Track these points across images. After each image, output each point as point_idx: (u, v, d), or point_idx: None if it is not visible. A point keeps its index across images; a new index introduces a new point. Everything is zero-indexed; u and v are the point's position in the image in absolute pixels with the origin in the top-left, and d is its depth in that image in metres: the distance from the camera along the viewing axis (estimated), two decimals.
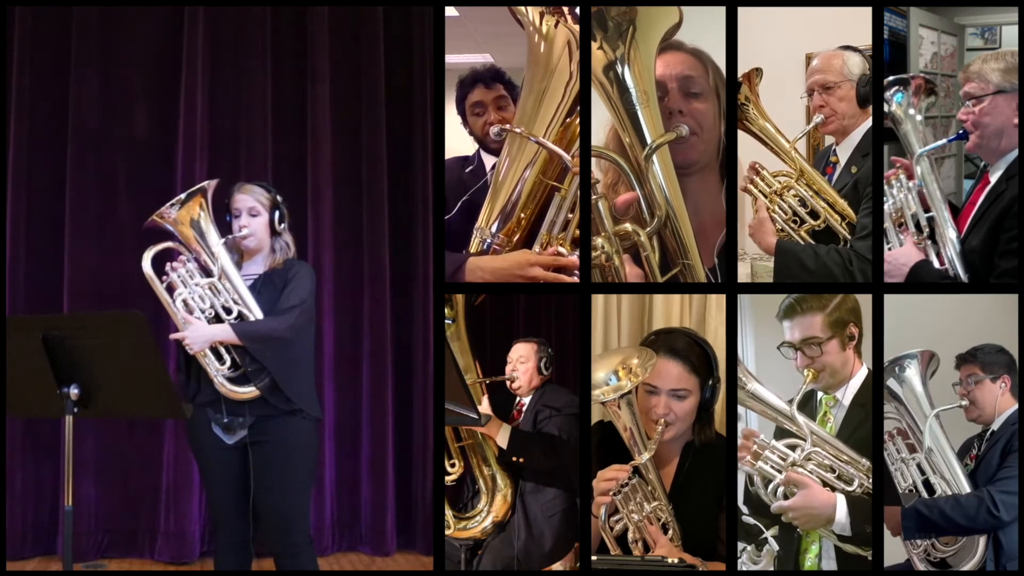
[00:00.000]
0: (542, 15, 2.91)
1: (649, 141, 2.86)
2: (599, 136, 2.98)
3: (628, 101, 2.86)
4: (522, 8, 2.94)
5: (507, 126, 2.96)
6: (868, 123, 2.94)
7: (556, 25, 2.90)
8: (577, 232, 2.92)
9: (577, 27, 2.91)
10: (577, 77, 2.92)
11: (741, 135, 3.01)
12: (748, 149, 3.03)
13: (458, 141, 3.32)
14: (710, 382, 2.92)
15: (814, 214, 2.94)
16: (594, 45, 2.88)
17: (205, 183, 2.94)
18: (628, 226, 2.88)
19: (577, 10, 2.91)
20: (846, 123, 2.96)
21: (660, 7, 2.88)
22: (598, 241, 2.88)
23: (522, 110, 2.97)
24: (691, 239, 2.89)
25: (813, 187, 2.94)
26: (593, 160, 2.95)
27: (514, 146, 2.95)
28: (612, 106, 2.89)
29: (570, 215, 2.92)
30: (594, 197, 2.88)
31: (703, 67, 2.96)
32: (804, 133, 3.02)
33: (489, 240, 2.95)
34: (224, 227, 2.95)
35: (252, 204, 2.95)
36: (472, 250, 2.97)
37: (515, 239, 2.95)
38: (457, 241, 3.03)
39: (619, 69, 2.86)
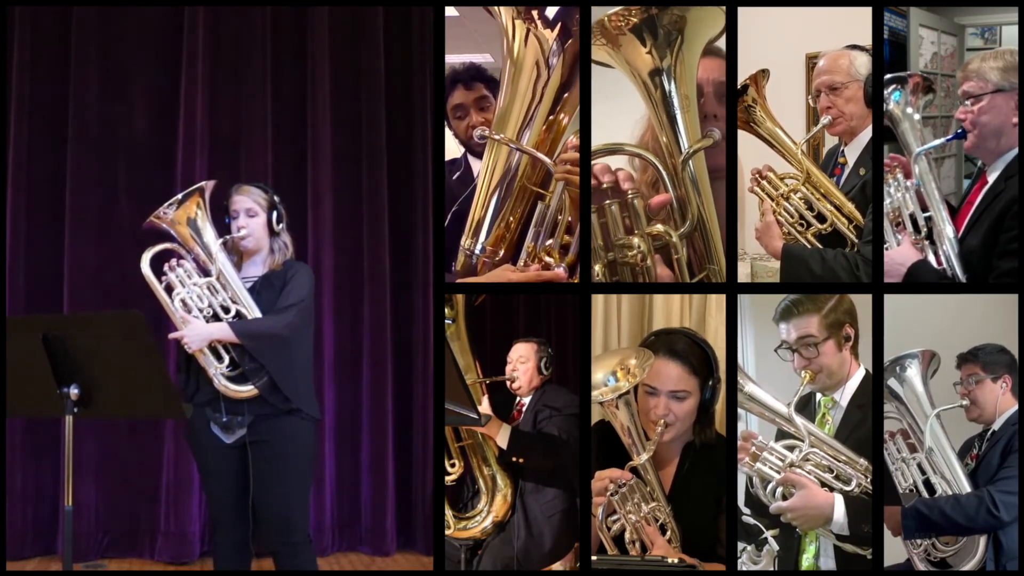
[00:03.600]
0: (514, 20, 2.89)
1: (685, 145, 2.84)
2: (635, 132, 2.96)
3: (669, 105, 2.84)
4: (496, 8, 2.91)
5: (486, 132, 2.92)
6: None
7: (527, 34, 2.87)
8: (566, 238, 2.90)
9: (548, 32, 2.87)
10: (552, 77, 2.89)
11: (747, 137, 3.00)
12: (753, 151, 3.03)
13: (458, 141, 3.31)
14: (710, 383, 2.92)
15: (821, 217, 2.92)
16: (643, 49, 2.85)
17: (202, 183, 2.95)
18: (660, 227, 2.87)
19: (548, 13, 2.88)
20: (854, 124, 2.94)
21: (708, 12, 2.86)
22: (635, 241, 2.85)
23: (499, 112, 2.93)
24: (719, 244, 2.89)
25: (820, 190, 2.92)
26: (626, 157, 2.92)
27: (495, 150, 2.92)
28: (653, 106, 2.87)
29: (558, 218, 2.89)
30: (630, 195, 2.85)
31: None
32: (812, 135, 3.01)
33: (476, 254, 2.93)
34: (223, 228, 2.95)
35: (250, 205, 2.96)
36: (459, 267, 2.95)
37: (503, 249, 2.92)
38: (447, 255, 3.02)
39: (665, 80, 2.83)
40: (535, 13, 2.87)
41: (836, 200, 2.92)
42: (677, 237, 2.85)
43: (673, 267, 2.88)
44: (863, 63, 2.90)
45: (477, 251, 2.92)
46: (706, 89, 2.93)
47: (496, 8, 2.90)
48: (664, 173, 2.86)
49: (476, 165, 3.14)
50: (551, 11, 2.88)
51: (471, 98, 3.19)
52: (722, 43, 2.93)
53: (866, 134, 2.94)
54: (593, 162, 2.87)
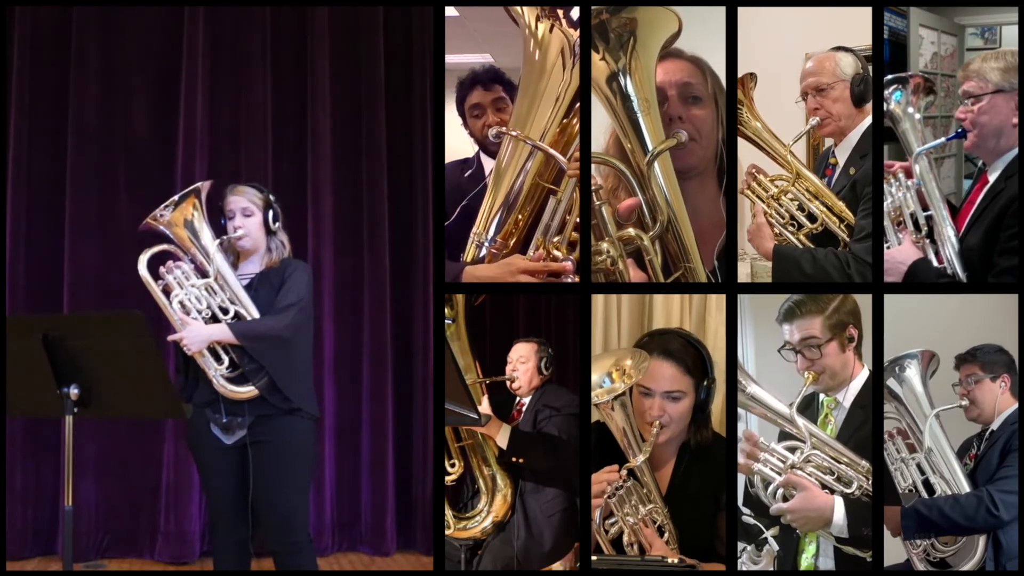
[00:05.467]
0: (538, 18, 2.91)
1: (650, 147, 2.86)
2: (600, 141, 2.98)
3: (630, 109, 2.87)
4: (518, 8, 2.94)
5: (503, 129, 2.96)
6: (865, 123, 2.93)
7: (551, 29, 2.90)
8: (574, 235, 2.92)
9: (572, 31, 2.91)
10: (572, 79, 2.91)
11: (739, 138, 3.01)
12: (745, 153, 3.03)
13: (458, 141, 3.32)
14: (705, 383, 2.92)
15: (811, 217, 2.93)
16: (596, 56, 2.88)
17: (199, 184, 2.95)
18: (631, 231, 2.89)
19: (572, 14, 2.91)
20: (843, 124, 2.95)
21: (659, 13, 2.88)
22: (603, 246, 2.89)
23: (518, 111, 2.97)
24: (692, 243, 2.90)
25: (810, 190, 2.94)
26: (593, 166, 2.95)
27: (510, 148, 2.95)
28: (615, 114, 2.90)
29: (567, 216, 2.91)
30: (597, 202, 2.89)
31: (702, 74, 2.97)
32: (799, 137, 3.01)
33: (486, 245, 2.94)
34: (219, 230, 2.95)
35: (245, 204, 2.96)
36: (468, 257, 2.97)
37: (512, 242, 2.95)
38: (456, 248, 3.03)
39: (621, 79, 2.86)
40: (560, 12, 2.91)
41: (827, 200, 2.93)
42: (648, 240, 2.87)
43: (647, 269, 2.89)
44: (848, 63, 2.91)
45: (487, 242, 2.94)
46: (669, 92, 2.94)
47: (519, 8, 2.93)
48: (631, 177, 2.88)
49: (488, 164, 3.18)
50: (576, 12, 2.91)
51: (489, 98, 3.22)
52: (682, 44, 2.94)
53: (855, 134, 2.95)
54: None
